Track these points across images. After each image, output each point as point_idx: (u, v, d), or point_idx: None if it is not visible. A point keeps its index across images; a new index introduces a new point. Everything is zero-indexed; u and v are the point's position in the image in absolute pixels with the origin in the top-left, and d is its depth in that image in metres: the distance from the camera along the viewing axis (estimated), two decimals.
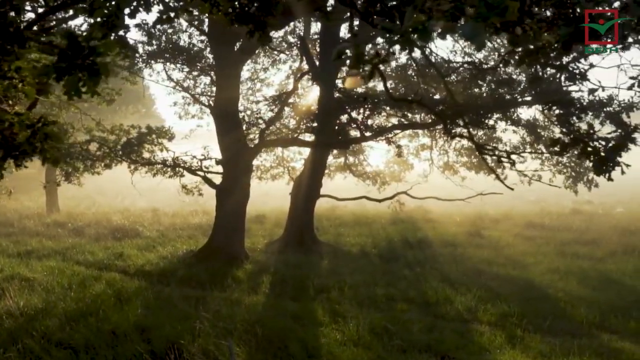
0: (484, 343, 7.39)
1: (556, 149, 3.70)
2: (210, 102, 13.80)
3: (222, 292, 10.12)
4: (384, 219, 21.12)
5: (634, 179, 19.69)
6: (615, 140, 3.48)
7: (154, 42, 13.70)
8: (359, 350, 6.92)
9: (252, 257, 13.35)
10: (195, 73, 14.55)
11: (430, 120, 10.22)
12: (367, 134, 12.37)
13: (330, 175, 23.74)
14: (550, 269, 12.26)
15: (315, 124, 12.70)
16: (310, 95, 18.85)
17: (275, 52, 18.59)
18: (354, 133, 14.11)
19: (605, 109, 9.38)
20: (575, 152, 3.47)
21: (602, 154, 3.32)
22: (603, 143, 3.46)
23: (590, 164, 3.45)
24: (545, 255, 14.13)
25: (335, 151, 20.27)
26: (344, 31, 14.81)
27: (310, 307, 8.98)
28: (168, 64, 14.42)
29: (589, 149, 3.40)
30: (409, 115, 12.30)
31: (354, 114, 12.26)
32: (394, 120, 14.06)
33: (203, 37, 14.02)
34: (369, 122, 13.14)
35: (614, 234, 16.36)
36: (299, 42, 15.65)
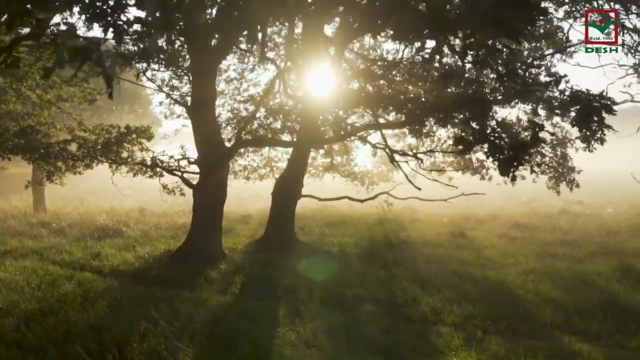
0: (440, 345, 7.34)
1: (460, 147, 3.64)
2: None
3: (191, 292, 10.10)
4: (371, 219, 21.09)
5: (626, 179, 19.61)
6: (528, 138, 3.42)
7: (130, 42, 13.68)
8: (311, 352, 6.89)
9: (230, 257, 13.32)
10: (179, 73, 14.54)
11: (402, 120, 10.18)
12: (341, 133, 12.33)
13: (319, 175, 23.73)
14: (526, 269, 12.16)
15: (289, 123, 12.67)
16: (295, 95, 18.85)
17: (259, 52, 18.59)
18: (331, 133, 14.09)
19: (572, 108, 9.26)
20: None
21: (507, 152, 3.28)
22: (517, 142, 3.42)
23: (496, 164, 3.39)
24: (525, 256, 14.02)
25: (322, 151, 20.28)
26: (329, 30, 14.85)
27: (274, 308, 8.95)
28: (148, 64, 14.41)
29: (495, 147, 3.34)
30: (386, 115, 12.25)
31: (327, 114, 12.24)
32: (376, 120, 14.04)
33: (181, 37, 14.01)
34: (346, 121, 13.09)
35: (597, 235, 16.24)
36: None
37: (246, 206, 27.65)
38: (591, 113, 4.37)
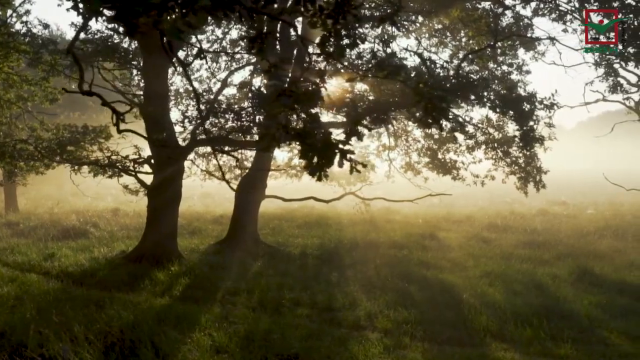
0: (358, 352, 7.04)
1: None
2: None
3: (128, 294, 9.89)
4: (346, 219, 20.85)
5: (615, 180, 19.12)
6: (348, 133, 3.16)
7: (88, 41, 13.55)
8: (218, 358, 6.64)
9: (186, 258, 13.11)
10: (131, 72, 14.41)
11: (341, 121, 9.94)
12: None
13: (297, 176, 23.48)
14: (483, 272, 11.85)
15: (243, 123, 12.44)
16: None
17: (233, 52, 18.49)
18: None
19: (523, 106, 8.96)
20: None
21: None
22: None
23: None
24: (490, 258, 13.71)
25: (296, 151, 20.02)
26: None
27: (205, 311, 8.70)
28: (105, 63, 14.31)
29: (306, 145, 3.10)
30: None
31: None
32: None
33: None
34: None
35: (567, 236, 15.86)
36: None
37: (227, 206, 27.45)
38: (428, 105, 4.11)
